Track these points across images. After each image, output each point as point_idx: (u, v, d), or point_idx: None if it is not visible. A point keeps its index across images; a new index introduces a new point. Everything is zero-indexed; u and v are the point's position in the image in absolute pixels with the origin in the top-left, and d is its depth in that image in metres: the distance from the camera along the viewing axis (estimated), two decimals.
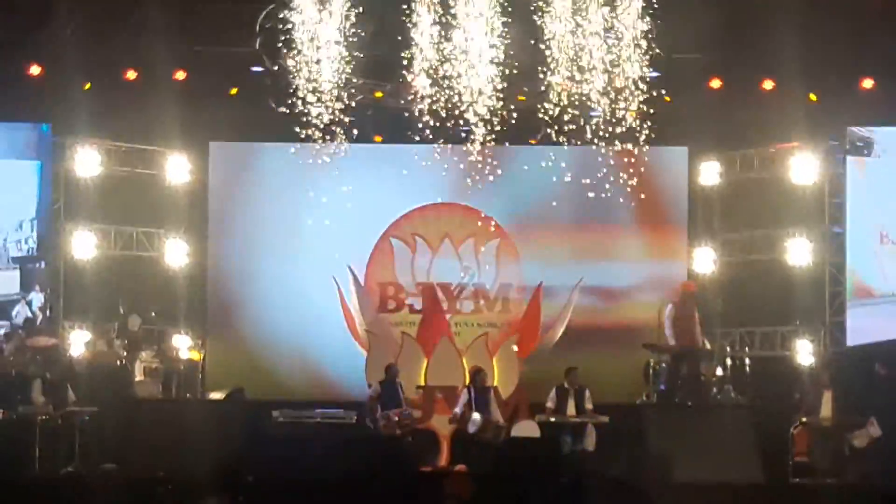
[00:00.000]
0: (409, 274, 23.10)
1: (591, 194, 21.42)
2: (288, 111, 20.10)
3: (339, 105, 20.14)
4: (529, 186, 22.63)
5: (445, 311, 22.37)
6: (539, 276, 22.26)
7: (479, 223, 22.76)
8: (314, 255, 22.39)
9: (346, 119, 19.96)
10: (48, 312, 21.81)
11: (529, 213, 22.89)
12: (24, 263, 22.26)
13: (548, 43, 20.04)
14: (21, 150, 22.40)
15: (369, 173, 22.63)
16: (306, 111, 20.07)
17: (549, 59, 20.02)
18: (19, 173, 22.32)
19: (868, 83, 22.05)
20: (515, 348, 21.36)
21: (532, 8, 19.81)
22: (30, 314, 21.60)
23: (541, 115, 20.21)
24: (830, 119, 22.17)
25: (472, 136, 20.14)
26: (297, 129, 20.12)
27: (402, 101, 20.55)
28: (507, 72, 20.07)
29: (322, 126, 20.09)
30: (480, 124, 20.06)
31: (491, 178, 20.88)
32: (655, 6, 19.93)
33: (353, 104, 20.38)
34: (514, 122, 20.23)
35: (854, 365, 20.35)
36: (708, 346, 20.51)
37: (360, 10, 20.15)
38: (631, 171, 20.98)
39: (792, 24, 20.85)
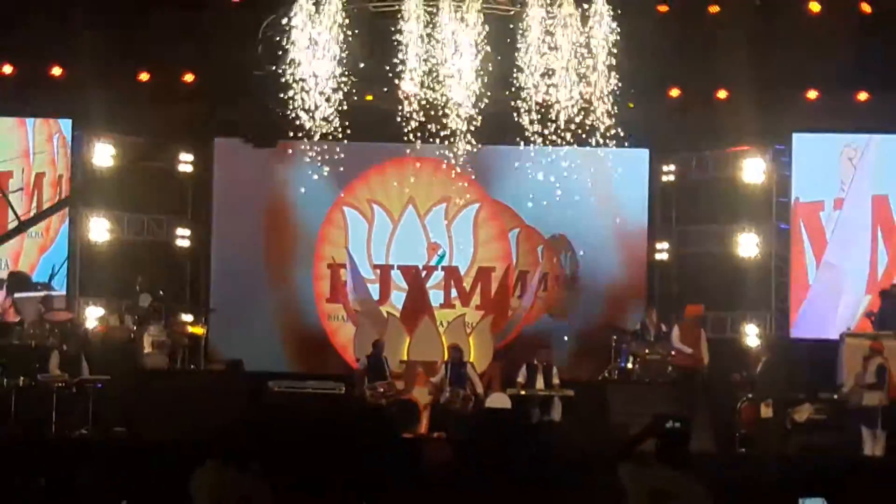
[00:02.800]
0: (364, 252, 22.68)
1: (558, 192, 21.43)
2: (285, 111, 20.17)
3: (331, 107, 20.18)
4: (505, 183, 22.54)
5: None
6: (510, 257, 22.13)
7: (453, 184, 22.04)
8: (307, 242, 22.32)
9: (338, 119, 20.06)
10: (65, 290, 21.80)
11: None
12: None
13: (523, 54, 20.11)
14: None
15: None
16: (302, 112, 20.11)
17: (523, 69, 20.08)
18: None
19: (812, 94, 22.07)
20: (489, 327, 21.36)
21: (511, 26, 19.96)
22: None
23: (516, 119, 20.30)
24: (777, 125, 22.19)
25: (453, 138, 20.21)
26: (293, 128, 20.22)
27: (391, 104, 20.46)
28: (485, 80, 20.13)
29: (315, 125, 20.13)
30: (461, 126, 20.12)
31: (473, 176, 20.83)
32: (621, 23, 20.03)
33: (346, 106, 20.44)
34: (490, 125, 20.30)
35: (795, 348, 20.38)
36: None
37: (353, 21, 20.25)
38: (592, 169, 20.92)
39: (743, 39, 20.94)
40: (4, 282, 21.68)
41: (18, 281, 21.92)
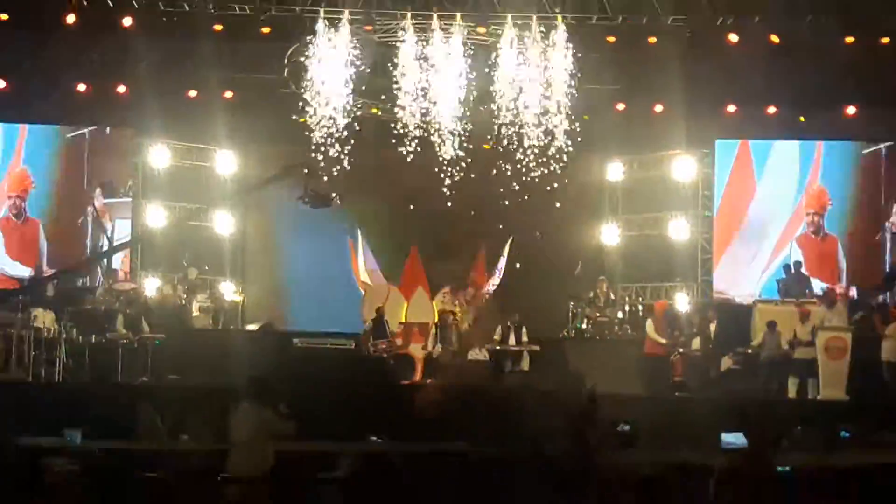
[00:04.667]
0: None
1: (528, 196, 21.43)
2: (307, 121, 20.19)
3: (344, 117, 20.22)
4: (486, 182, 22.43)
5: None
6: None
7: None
8: (327, 224, 22.25)
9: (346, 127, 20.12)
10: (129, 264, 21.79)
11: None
12: None
13: (497, 77, 20.15)
14: None
15: None
16: (319, 122, 20.13)
17: (498, 89, 20.12)
18: None
19: (731, 108, 22.12)
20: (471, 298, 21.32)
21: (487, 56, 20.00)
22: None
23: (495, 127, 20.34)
24: (703, 133, 22.20)
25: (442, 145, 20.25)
26: (312, 135, 20.22)
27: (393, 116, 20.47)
28: (469, 97, 20.17)
29: (330, 133, 20.16)
30: (448, 136, 20.16)
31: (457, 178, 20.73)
32: (577, 51, 20.07)
33: (356, 118, 20.47)
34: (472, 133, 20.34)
35: (717, 311, 20.39)
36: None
37: (362, 49, 20.26)
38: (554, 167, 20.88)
39: (676, 63, 20.93)
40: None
41: None
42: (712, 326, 19.46)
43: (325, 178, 20.48)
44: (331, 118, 20.22)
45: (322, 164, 19.33)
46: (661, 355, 19.12)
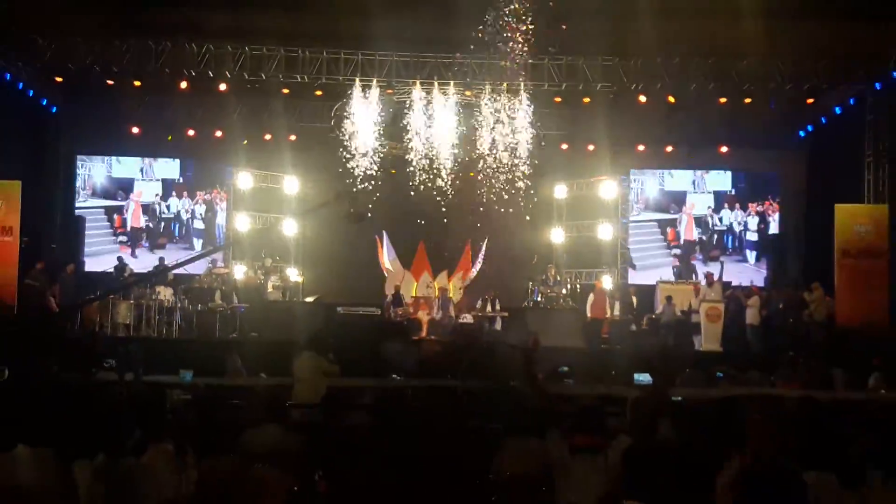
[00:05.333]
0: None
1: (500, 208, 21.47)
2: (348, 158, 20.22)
3: (374, 155, 20.26)
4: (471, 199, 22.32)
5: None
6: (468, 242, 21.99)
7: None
8: (362, 228, 22.11)
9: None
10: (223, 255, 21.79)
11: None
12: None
13: (480, 125, 20.20)
14: None
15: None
16: (357, 158, 20.17)
17: (480, 133, 20.18)
18: None
19: (641, 147, 22.15)
20: (461, 279, 21.34)
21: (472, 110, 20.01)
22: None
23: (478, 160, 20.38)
24: (622, 165, 22.22)
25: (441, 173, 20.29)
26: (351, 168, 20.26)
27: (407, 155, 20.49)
28: (458, 140, 20.22)
29: (365, 167, 20.20)
30: (444, 167, 20.20)
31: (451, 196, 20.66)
32: (534, 105, 20.09)
33: (381, 155, 20.50)
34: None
35: (631, 289, 20.42)
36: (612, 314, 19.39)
37: (385, 106, 20.27)
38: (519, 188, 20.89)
39: (603, 115, 20.98)
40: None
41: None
42: (635, 300, 19.50)
43: (361, 200, 20.76)
44: (364, 155, 20.25)
45: (358, 190, 19.37)
46: (599, 319, 18.99)
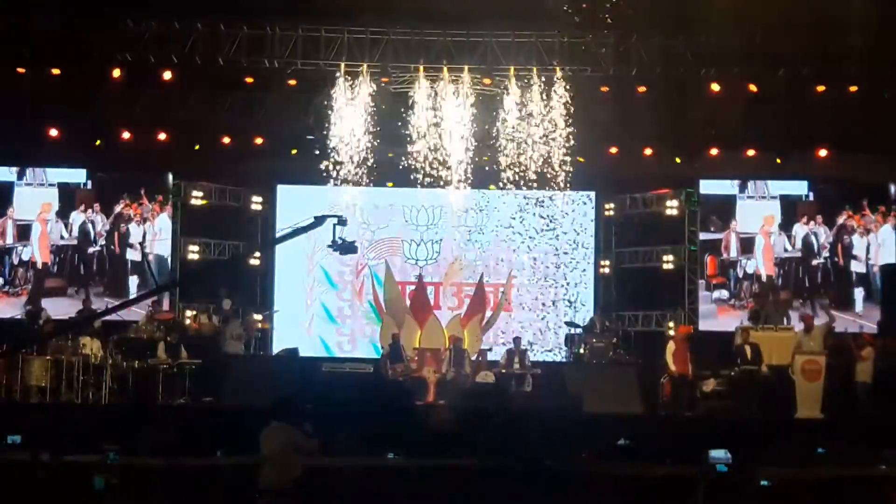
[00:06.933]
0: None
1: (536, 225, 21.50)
2: (330, 164, 20.27)
3: (363, 160, 20.29)
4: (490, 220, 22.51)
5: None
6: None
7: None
8: (347, 262, 22.19)
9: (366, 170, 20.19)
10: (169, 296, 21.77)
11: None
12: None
13: (501, 122, 20.23)
14: None
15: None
16: (341, 164, 20.21)
17: (502, 134, 20.19)
18: None
19: (714, 151, 22.07)
20: (479, 325, 21.25)
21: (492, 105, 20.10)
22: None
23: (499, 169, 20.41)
24: (688, 175, 22.19)
25: (451, 184, 20.32)
26: (335, 176, 20.30)
27: (406, 158, 20.53)
28: (473, 142, 20.25)
29: (351, 174, 20.23)
30: (456, 175, 20.24)
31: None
32: (574, 99, 20.14)
33: (374, 160, 20.53)
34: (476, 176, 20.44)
35: (703, 336, 20.35)
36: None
37: (378, 97, 20.37)
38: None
39: (664, 110, 20.98)
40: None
41: None
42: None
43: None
44: (352, 163, 20.32)
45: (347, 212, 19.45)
46: (684, 375, 18.58)
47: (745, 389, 18.36)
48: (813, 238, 22.21)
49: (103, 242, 22.16)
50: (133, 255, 22.23)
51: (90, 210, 22.16)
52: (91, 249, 22.13)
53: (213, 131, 22.08)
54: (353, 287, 22.59)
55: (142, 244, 22.02)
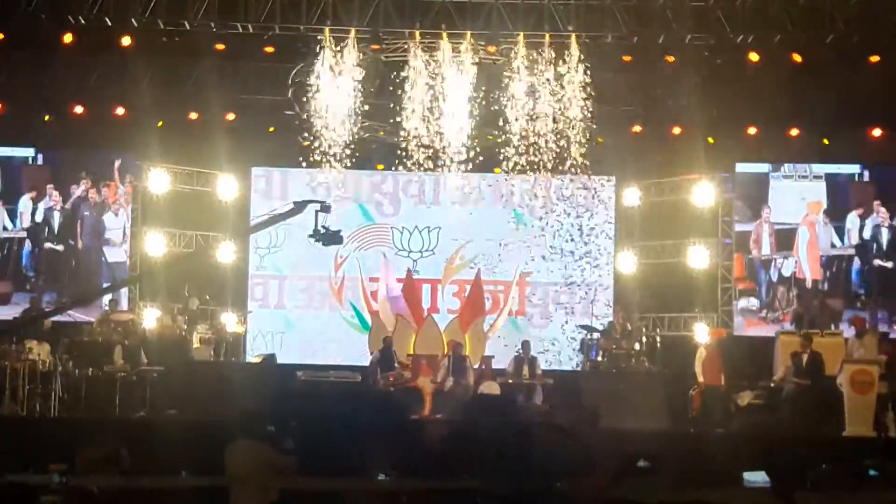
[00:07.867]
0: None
1: (541, 216, 21.52)
2: (311, 144, 20.24)
3: (348, 140, 20.26)
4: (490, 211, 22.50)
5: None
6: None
7: None
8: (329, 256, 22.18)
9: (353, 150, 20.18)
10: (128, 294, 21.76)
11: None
12: None
13: (509, 99, 20.20)
14: None
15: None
16: (324, 144, 20.19)
17: (509, 111, 20.16)
18: None
19: (752, 130, 22.06)
20: (486, 326, 21.27)
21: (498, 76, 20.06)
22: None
23: (502, 153, 20.38)
24: (723, 157, 22.15)
25: (449, 166, 20.30)
26: (318, 158, 20.28)
27: (398, 139, 20.51)
28: (477, 119, 20.22)
29: (335, 155, 20.21)
30: (455, 158, 20.21)
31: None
32: (591, 70, 20.10)
33: (362, 139, 20.52)
34: (480, 157, 20.39)
35: (738, 343, 20.34)
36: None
37: (367, 69, 20.34)
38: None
39: (694, 83, 20.97)
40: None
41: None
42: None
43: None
44: (335, 140, 20.29)
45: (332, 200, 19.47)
46: (716, 387, 18.67)
47: (790, 403, 18.34)
48: (871, 230, 21.61)
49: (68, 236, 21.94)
50: (113, 253, 22.02)
51: (44, 195, 21.84)
52: (47, 245, 21.93)
53: (178, 106, 22.09)
54: (331, 285, 22.53)
55: None
